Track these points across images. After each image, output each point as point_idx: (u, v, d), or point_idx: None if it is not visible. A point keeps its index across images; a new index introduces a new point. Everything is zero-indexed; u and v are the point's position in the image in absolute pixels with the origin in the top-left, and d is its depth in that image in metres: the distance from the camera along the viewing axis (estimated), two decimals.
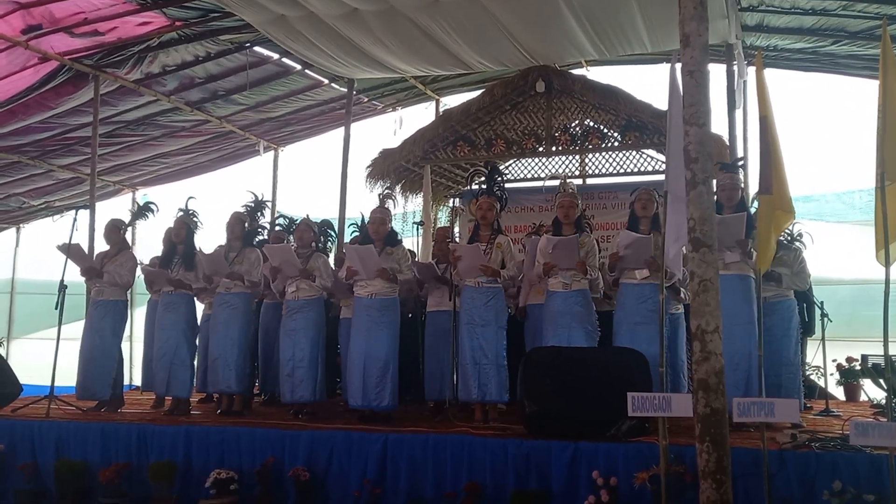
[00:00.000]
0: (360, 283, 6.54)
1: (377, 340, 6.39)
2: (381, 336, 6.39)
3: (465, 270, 6.32)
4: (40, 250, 13.88)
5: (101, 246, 7.90)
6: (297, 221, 8.34)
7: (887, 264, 4.26)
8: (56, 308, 7.02)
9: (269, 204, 7.78)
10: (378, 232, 6.67)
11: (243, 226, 7.31)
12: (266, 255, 7.04)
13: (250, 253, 7.18)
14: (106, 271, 7.38)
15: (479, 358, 6.20)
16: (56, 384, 6.98)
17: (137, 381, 8.62)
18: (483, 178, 6.79)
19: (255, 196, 7.60)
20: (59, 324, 6.96)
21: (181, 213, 7.44)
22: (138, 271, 7.63)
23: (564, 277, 6.16)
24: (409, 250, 7.75)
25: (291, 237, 8.08)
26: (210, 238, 7.82)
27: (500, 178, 6.81)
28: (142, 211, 7.83)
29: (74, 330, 7.82)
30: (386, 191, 9.47)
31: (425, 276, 7.05)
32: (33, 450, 6.32)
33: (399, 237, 6.96)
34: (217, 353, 7.00)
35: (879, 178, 4.36)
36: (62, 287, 7.04)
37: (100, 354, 7.32)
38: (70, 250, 7.26)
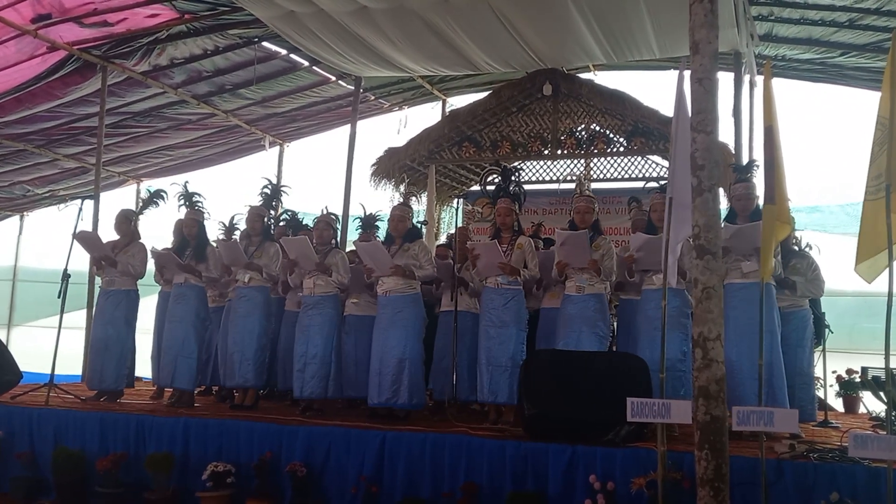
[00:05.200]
0: (379, 280, 6.54)
1: (392, 338, 6.35)
2: (396, 334, 6.35)
3: (483, 268, 6.29)
4: (44, 238, 13.92)
5: (105, 237, 7.89)
6: (300, 216, 8.35)
7: (891, 279, 4.25)
8: (59, 296, 7.01)
9: (284, 190, 7.71)
10: (397, 229, 6.66)
11: (262, 220, 7.28)
12: (283, 247, 7.03)
13: (269, 247, 7.14)
14: (119, 261, 7.38)
15: (494, 359, 6.15)
16: (56, 373, 6.99)
17: (139, 372, 8.60)
18: (496, 178, 6.74)
19: (270, 182, 7.54)
20: (62, 312, 6.95)
21: (189, 209, 7.42)
22: (150, 262, 7.62)
23: (579, 281, 6.13)
24: None
25: (293, 232, 8.07)
26: (213, 231, 7.83)
27: (515, 179, 6.75)
28: (152, 199, 7.79)
29: (76, 319, 7.84)
30: (410, 187, 9.40)
31: (443, 276, 7.05)
32: (31, 438, 6.33)
33: (421, 234, 6.91)
34: (234, 347, 6.95)
35: (881, 188, 4.33)
36: (65, 275, 7.03)
37: (114, 344, 7.31)
38: (85, 238, 7.26)
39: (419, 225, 8.32)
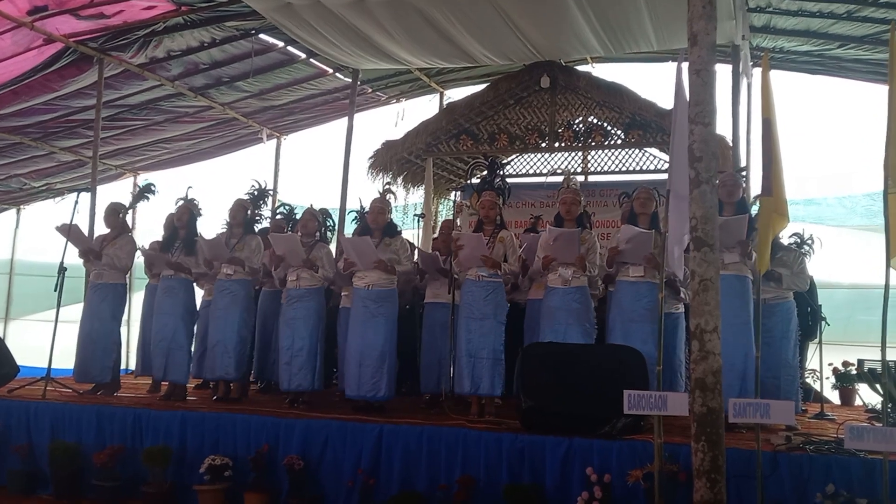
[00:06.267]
0: (357, 274, 6.55)
1: (374, 331, 6.39)
2: (377, 327, 6.39)
3: (466, 259, 6.28)
4: (40, 232, 13.88)
5: (101, 229, 7.90)
6: (297, 210, 8.36)
7: (888, 271, 4.25)
8: (55, 290, 7.02)
9: (272, 192, 7.78)
10: (377, 221, 6.67)
11: (246, 212, 7.32)
12: (270, 242, 7.03)
13: (251, 240, 7.17)
14: (105, 254, 7.39)
15: (475, 351, 6.17)
16: (53, 366, 6.99)
17: (132, 366, 8.61)
18: (484, 172, 6.77)
19: (259, 184, 7.61)
20: (58, 306, 6.97)
21: (183, 201, 7.44)
22: (137, 255, 7.63)
23: (564, 273, 6.15)
24: (409, 242, 7.73)
25: (290, 226, 8.08)
26: (210, 224, 7.83)
27: (500, 172, 6.78)
28: (143, 193, 7.79)
29: (73, 312, 7.82)
30: (387, 185, 9.44)
31: (428, 267, 7.05)
32: (28, 431, 6.33)
33: (399, 229, 6.95)
34: (216, 340, 6.99)
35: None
36: (61, 269, 7.04)
37: (99, 337, 7.33)
38: (69, 231, 7.25)
39: (416, 217, 8.33)
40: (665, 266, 5.00)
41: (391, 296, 6.56)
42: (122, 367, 8.05)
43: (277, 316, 7.59)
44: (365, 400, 6.38)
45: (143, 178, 13.45)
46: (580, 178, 10.73)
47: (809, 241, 7.06)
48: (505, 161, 10.49)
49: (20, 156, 12.02)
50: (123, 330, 8.14)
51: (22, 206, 14.52)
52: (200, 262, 7.22)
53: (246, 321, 7.12)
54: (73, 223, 7.29)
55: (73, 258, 7.43)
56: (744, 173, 6.09)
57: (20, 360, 7.35)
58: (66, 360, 7.51)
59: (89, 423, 6.18)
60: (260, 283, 7.68)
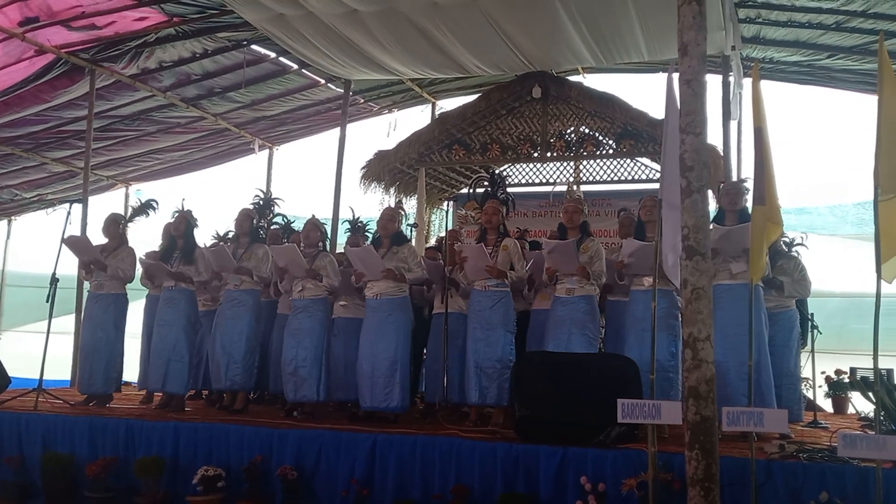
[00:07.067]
0: (368, 284, 6.54)
1: (384, 341, 6.34)
2: (387, 336, 6.35)
3: (471, 271, 6.30)
4: (32, 243, 13.86)
5: (95, 240, 7.87)
6: (294, 221, 8.36)
7: (878, 280, 4.26)
8: (47, 301, 6.98)
9: (277, 202, 7.78)
10: (386, 228, 6.67)
11: (251, 222, 7.28)
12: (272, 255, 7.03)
13: (258, 249, 7.14)
14: (108, 264, 7.35)
15: (482, 361, 6.16)
16: (45, 377, 6.94)
17: (127, 377, 8.55)
18: (486, 183, 6.80)
19: (264, 194, 7.60)
20: (50, 317, 6.92)
21: (178, 211, 7.43)
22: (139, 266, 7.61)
23: (568, 283, 6.15)
24: None
25: (286, 236, 8.07)
26: (204, 234, 7.81)
27: (503, 184, 6.81)
28: (143, 208, 7.75)
29: (65, 323, 7.79)
30: (398, 202, 9.50)
31: (434, 277, 7.05)
32: (20, 442, 6.28)
33: (409, 237, 6.94)
34: (224, 350, 6.94)
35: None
36: (54, 280, 7.00)
37: (103, 348, 7.28)
38: (75, 243, 7.22)
39: (409, 227, 8.35)
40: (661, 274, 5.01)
41: (402, 304, 6.51)
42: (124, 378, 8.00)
43: (273, 325, 7.58)
44: (378, 411, 6.35)
45: (136, 189, 13.49)
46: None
47: (797, 245, 7.03)
48: (497, 171, 10.52)
49: (11, 167, 12.02)
50: None
51: (13, 217, 14.50)
52: (201, 271, 7.19)
53: (255, 331, 7.08)
54: (80, 235, 7.25)
55: (65, 269, 7.39)
56: (745, 182, 6.09)
57: (11, 372, 7.30)
58: (58, 371, 7.48)
59: (81, 434, 6.15)
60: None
